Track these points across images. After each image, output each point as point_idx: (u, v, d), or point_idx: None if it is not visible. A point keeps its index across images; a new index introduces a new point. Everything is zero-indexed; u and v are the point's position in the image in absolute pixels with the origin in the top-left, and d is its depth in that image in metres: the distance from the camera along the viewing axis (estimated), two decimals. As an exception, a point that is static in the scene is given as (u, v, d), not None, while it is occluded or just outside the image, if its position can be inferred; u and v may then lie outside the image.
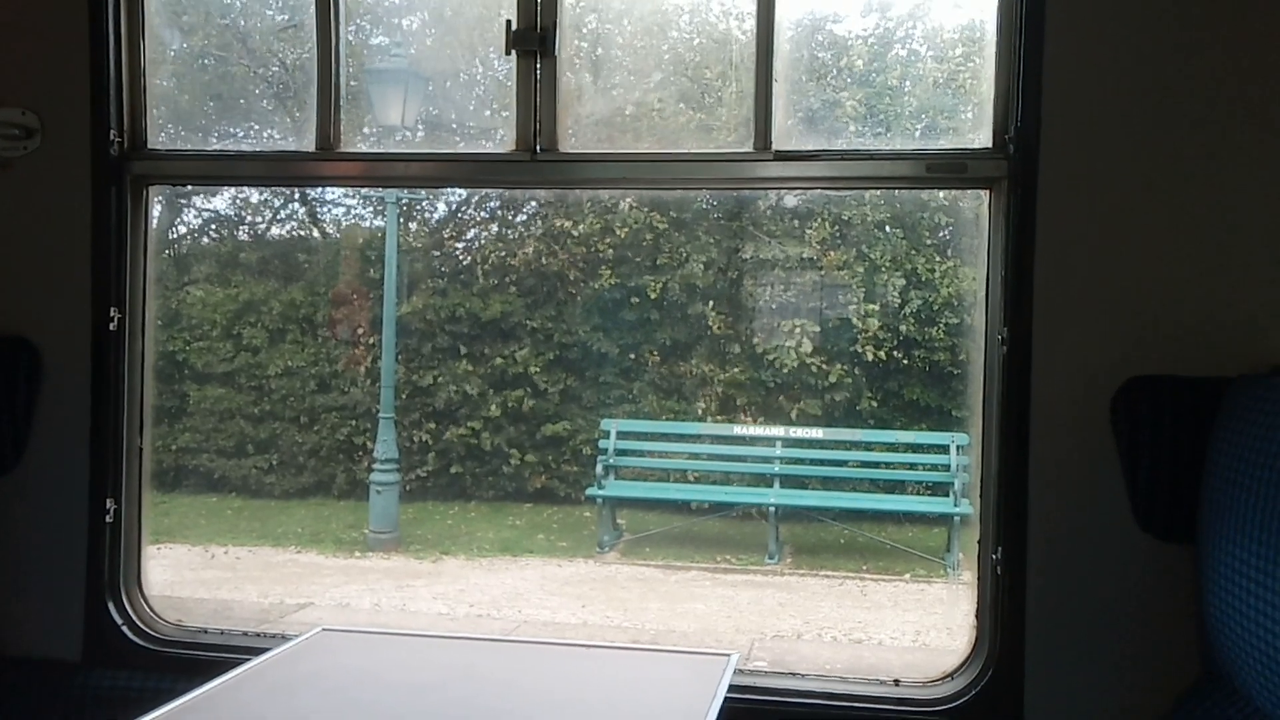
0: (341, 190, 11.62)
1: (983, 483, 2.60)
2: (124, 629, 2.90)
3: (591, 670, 2.44)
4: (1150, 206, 2.40)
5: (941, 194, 9.90)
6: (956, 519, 9.69)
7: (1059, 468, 2.45)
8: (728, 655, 2.42)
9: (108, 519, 2.89)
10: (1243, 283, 2.38)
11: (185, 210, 11.88)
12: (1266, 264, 2.37)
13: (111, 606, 2.90)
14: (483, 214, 11.81)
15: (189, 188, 9.88)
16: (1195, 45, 2.38)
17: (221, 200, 11.98)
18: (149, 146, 2.96)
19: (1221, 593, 2.08)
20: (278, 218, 12.28)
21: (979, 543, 2.61)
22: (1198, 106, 2.38)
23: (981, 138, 2.60)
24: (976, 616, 2.60)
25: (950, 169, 2.61)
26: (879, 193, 9.93)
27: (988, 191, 2.59)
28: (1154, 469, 2.38)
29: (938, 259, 10.57)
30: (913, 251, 10.56)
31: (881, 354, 10.61)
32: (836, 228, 10.65)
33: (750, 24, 2.73)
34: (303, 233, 12.32)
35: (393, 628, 2.71)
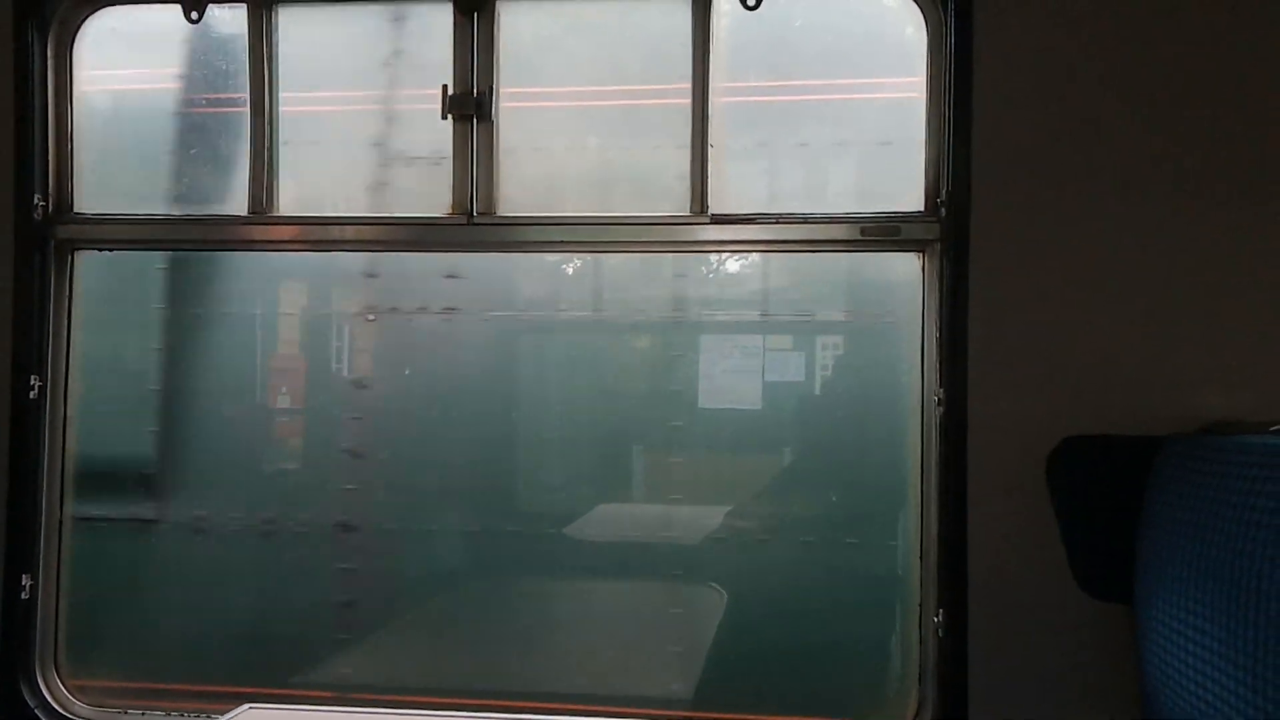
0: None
1: (922, 546, 2.60)
2: (37, 712, 2.76)
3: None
4: (1081, 268, 2.45)
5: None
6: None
7: (997, 529, 2.46)
8: None
9: (23, 595, 2.77)
10: (1172, 343, 2.42)
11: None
12: (1195, 325, 2.42)
13: (25, 688, 2.76)
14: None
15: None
16: (1123, 109, 2.44)
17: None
18: (75, 210, 2.90)
19: (1158, 649, 2.09)
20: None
21: (920, 606, 2.60)
22: (1126, 170, 2.44)
23: (914, 201, 2.64)
24: (919, 680, 2.59)
25: (884, 232, 2.64)
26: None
27: (921, 254, 2.63)
28: (1091, 528, 2.40)
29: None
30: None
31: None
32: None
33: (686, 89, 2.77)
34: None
35: (320, 704, 2.62)
